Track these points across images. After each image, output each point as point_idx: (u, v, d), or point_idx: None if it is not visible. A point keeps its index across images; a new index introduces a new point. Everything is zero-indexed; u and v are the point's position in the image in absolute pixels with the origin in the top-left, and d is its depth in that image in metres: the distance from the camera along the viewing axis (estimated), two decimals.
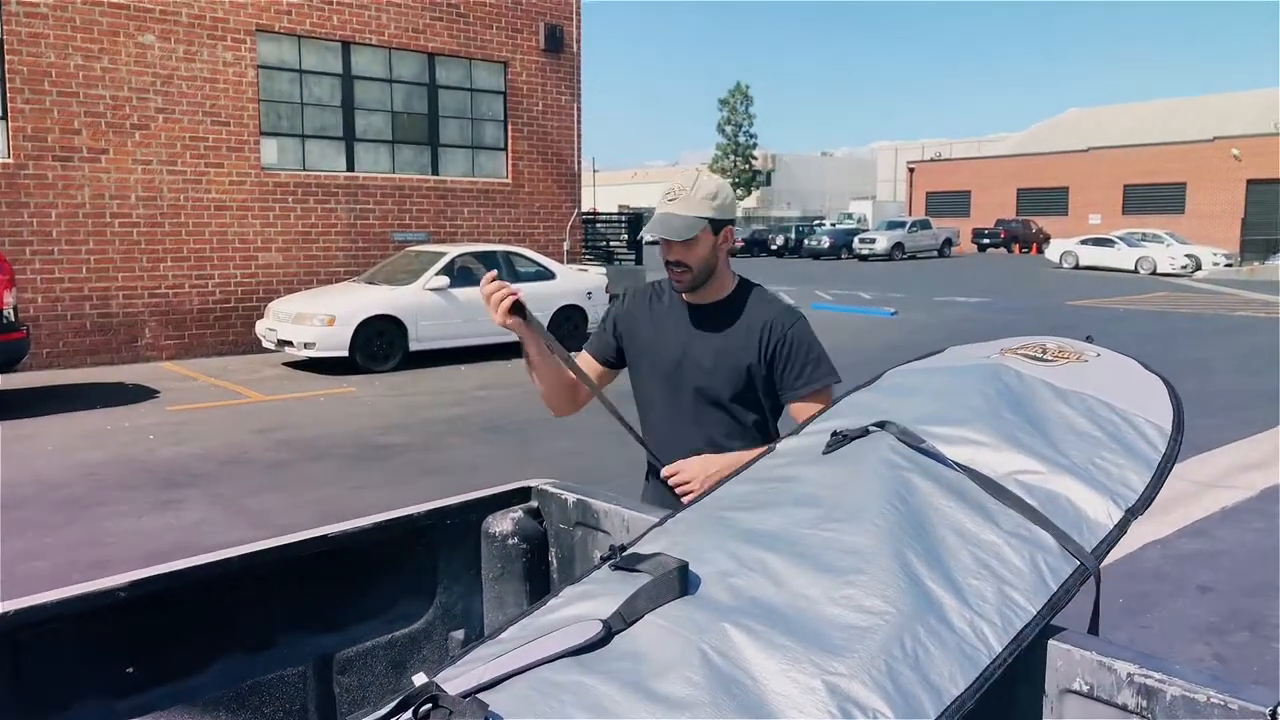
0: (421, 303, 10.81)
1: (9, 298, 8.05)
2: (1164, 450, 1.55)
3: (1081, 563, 1.33)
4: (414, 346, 10.72)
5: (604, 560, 1.52)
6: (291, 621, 1.73)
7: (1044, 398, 1.69)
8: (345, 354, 10.24)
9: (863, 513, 1.40)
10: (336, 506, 5.67)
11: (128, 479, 6.26)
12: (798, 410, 2.22)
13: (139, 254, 11.17)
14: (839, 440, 1.63)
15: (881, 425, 1.61)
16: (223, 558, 1.63)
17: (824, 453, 1.64)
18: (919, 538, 1.34)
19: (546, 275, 12.05)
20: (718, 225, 2.16)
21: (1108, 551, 1.38)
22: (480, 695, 1.16)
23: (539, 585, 2.00)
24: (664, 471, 2.17)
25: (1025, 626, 1.23)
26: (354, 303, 10.55)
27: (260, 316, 11.25)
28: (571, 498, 1.96)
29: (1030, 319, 15.26)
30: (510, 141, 14.45)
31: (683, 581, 1.32)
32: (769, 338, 2.22)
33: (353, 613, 1.80)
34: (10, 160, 10.36)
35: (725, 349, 2.22)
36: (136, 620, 1.54)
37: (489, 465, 6.59)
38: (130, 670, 1.55)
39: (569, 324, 12.01)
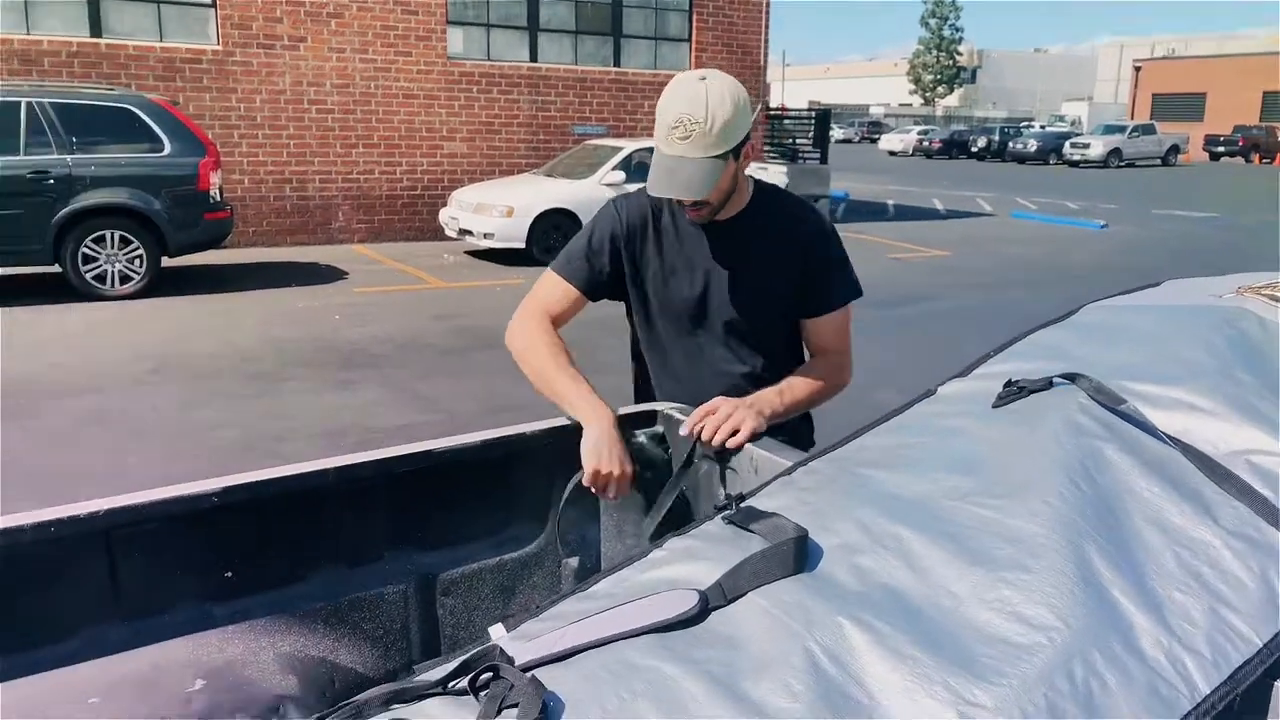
0: (597, 197, 10.69)
1: (215, 179, 8.52)
2: None
3: None
4: None
5: (718, 511, 1.32)
6: (394, 538, 1.64)
7: None
8: (522, 246, 10.35)
9: (1034, 488, 1.13)
10: (501, 397, 5.73)
11: (313, 357, 6.57)
12: (818, 331, 1.94)
13: (333, 140, 11.59)
14: (1014, 392, 1.35)
15: (1071, 378, 1.31)
16: (325, 467, 1.55)
17: (994, 405, 1.36)
18: (1106, 529, 1.06)
19: None
20: (739, 149, 1.78)
21: None
22: (549, 668, 1.01)
23: (671, 514, 1.84)
24: (686, 426, 1.72)
25: (1245, 664, 0.95)
26: (532, 195, 10.59)
27: (444, 205, 11.51)
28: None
29: (1267, 243, 13.56)
30: (694, 33, 13.92)
31: (799, 555, 1.10)
32: (804, 252, 1.89)
33: (459, 533, 1.70)
34: (219, 47, 10.88)
35: (755, 274, 1.89)
36: (234, 527, 1.49)
37: None
38: (229, 575, 1.50)
39: None
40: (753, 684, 0.93)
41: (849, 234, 14.60)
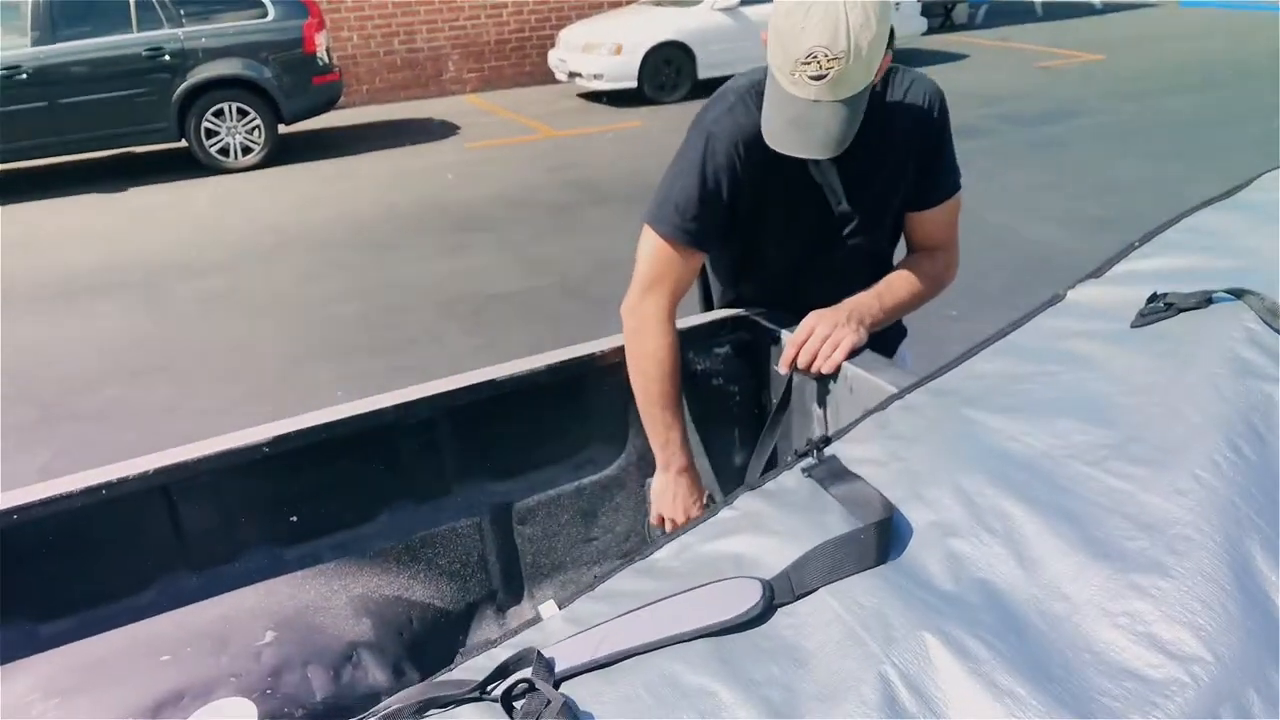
0: (709, 26, 10.08)
1: (321, 40, 8.40)
2: None
3: None
4: (703, 74, 10.14)
5: (799, 457, 1.15)
6: (463, 471, 1.56)
7: None
8: (634, 84, 9.91)
9: (1183, 454, 0.91)
10: (610, 255, 5.59)
11: (427, 221, 6.56)
12: (927, 225, 1.64)
13: None
14: (1161, 309, 1.09)
15: (1238, 294, 1.05)
16: (384, 405, 1.45)
17: (1134, 325, 1.11)
18: (1275, 516, 0.84)
19: None
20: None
21: None
22: (590, 680, 0.89)
23: (749, 431, 1.68)
24: (783, 363, 1.49)
25: None
26: (641, 29, 10.04)
27: (553, 46, 11.09)
28: (785, 338, 1.57)
29: None
30: None
31: (881, 544, 0.93)
32: (921, 142, 1.57)
33: (532, 460, 1.60)
34: None
35: (882, 181, 1.58)
36: (295, 472, 1.42)
37: None
38: (294, 520, 1.45)
39: None
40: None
41: (993, 41, 13.37)
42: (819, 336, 1.48)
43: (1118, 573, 0.83)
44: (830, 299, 1.58)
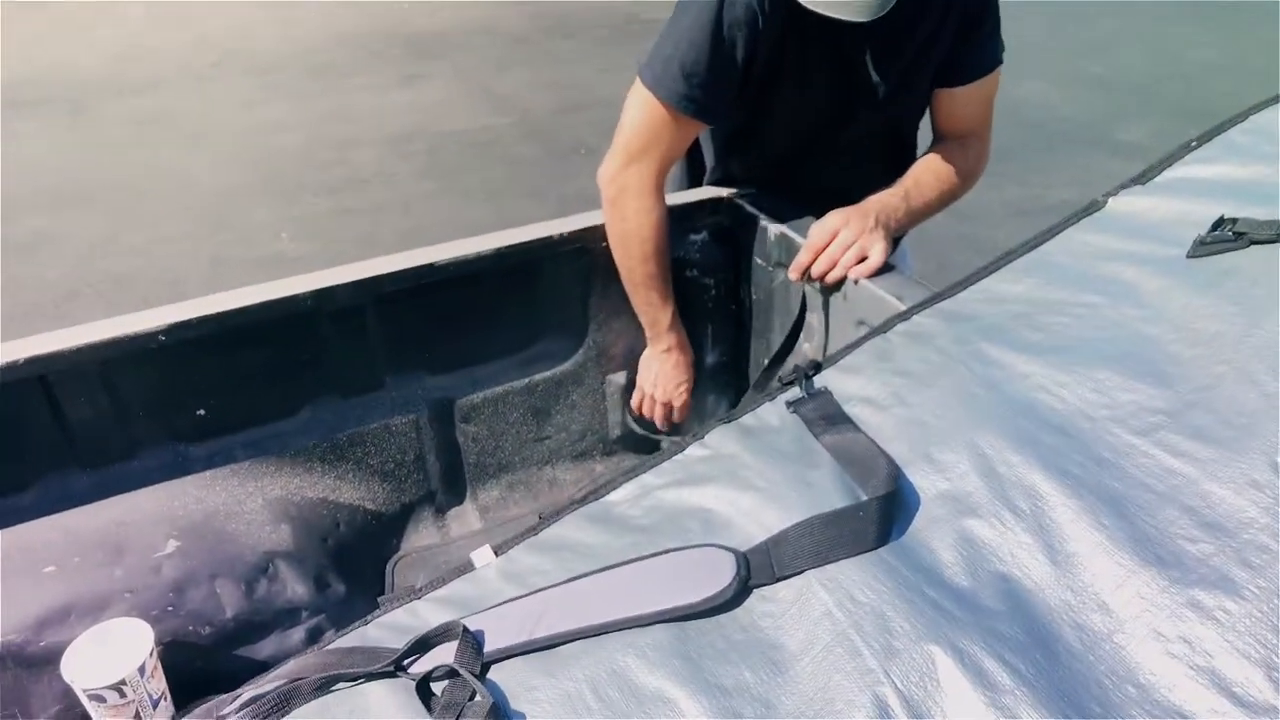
0: None
1: None
2: None
3: None
4: None
5: (782, 385, 0.98)
6: (399, 364, 1.37)
7: None
8: None
9: (1260, 433, 0.74)
10: (579, 92, 5.24)
11: (379, 48, 6.07)
12: (960, 105, 1.40)
13: None
14: (1227, 238, 0.91)
15: None
16: (302, 291, 1.24)
17: (1191, 255, 0.94)
18: None
19: None
20: None
21: None
22: (525, 669, 0.74)
23: (726, 329, 1.51)
24: (795, 269, 1.29)
25: None
26: None
27: None
28: (772, 230, 1.37)
29: None
30: None
31: (882, 523, 0.77)
32: (963, 4, 1.32)
33: (477, 353, 1.41)
34: None
35: (915, 47, 1.35)
36: (202, 360, 1.23)
37: None
38: (202, 414, 1.27)
39: None
40: None
41: None
42: (842, 243, 1.25)
43: (1174, 584, 0.68)
44: (838, 183, 1.36)
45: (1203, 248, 0.93)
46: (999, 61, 1.40)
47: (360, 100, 5.22)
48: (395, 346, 1.35)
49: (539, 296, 1.41)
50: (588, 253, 1.39)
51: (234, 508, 1.28)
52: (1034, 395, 0.85)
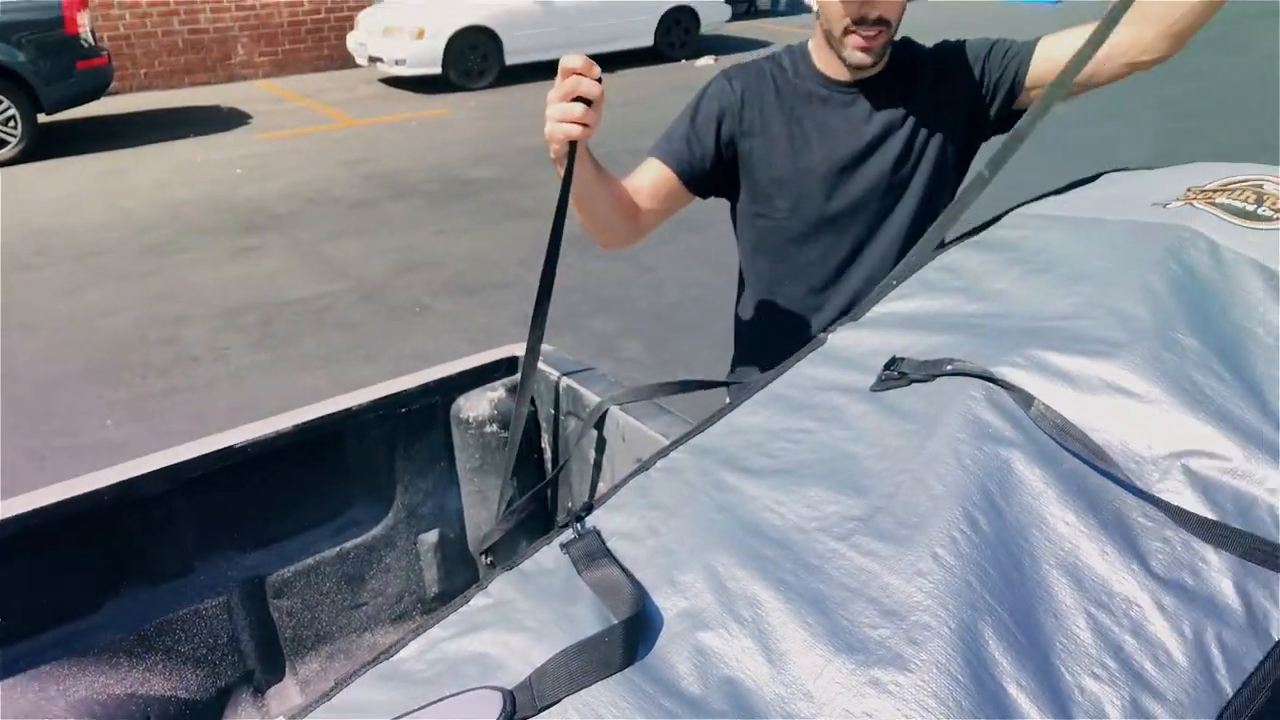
0: (516, 10, 9.88)
1: (84, 19, 7.64)
2: None
3: (1277, 643, 0.81)
4: (510, 60, 9.94)
5: (558, 529, 1.09)
6: (206, 545, 1.40)
7: (1253, 298, 1.07)
8: (438, 71, 9.59)
9: (924, 529, 0.89)
10: (416, 255, 5.40)
11: (212, 221, 6.09)
12: (1048, 50, 1.50)
13: None
14: (896, 378, 1.09)
15: (964, 372, 1.04)
16: (102, 485, 1.27)
17: (874, 388, 1.10)
18: (1008, 591, 0.83)
19: None
20: None
21: None
22: None
23: (529, 478, 1.60)
24: None
25: None
26: (444, 13, 9.72)
27: (352, 29, 10.59)
28: (562, 382, 1.50)
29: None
30: None
31: (628, 645, 0.87)
32: (965, 70, 1.53)
33: (286, 526, 1.46)
34: None
35: (920, 126, 1.53)
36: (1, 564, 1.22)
37: None
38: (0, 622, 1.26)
39: (679, 28, 10.89)
40: None
41: (795, 28, 13.79)
42: None
43: (859, 667, 0.80)
44: (866, 280, 1.55)
45: (881, 384, 1.10)
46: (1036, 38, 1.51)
47: (192, 276, 5.21)
48: (202, 529, 1.38)
49: (344, 466, 1.48)
50: (388, 419, 1.48)
51: (35, 713, 1.26)
52: (760, 515, 0.98)
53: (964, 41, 1.57)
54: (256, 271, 5.25)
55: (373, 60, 9.85)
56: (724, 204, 1.66)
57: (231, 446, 1.34)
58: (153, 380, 4.02)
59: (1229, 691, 0.78)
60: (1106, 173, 1.41)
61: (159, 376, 4.06)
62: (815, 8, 1.51)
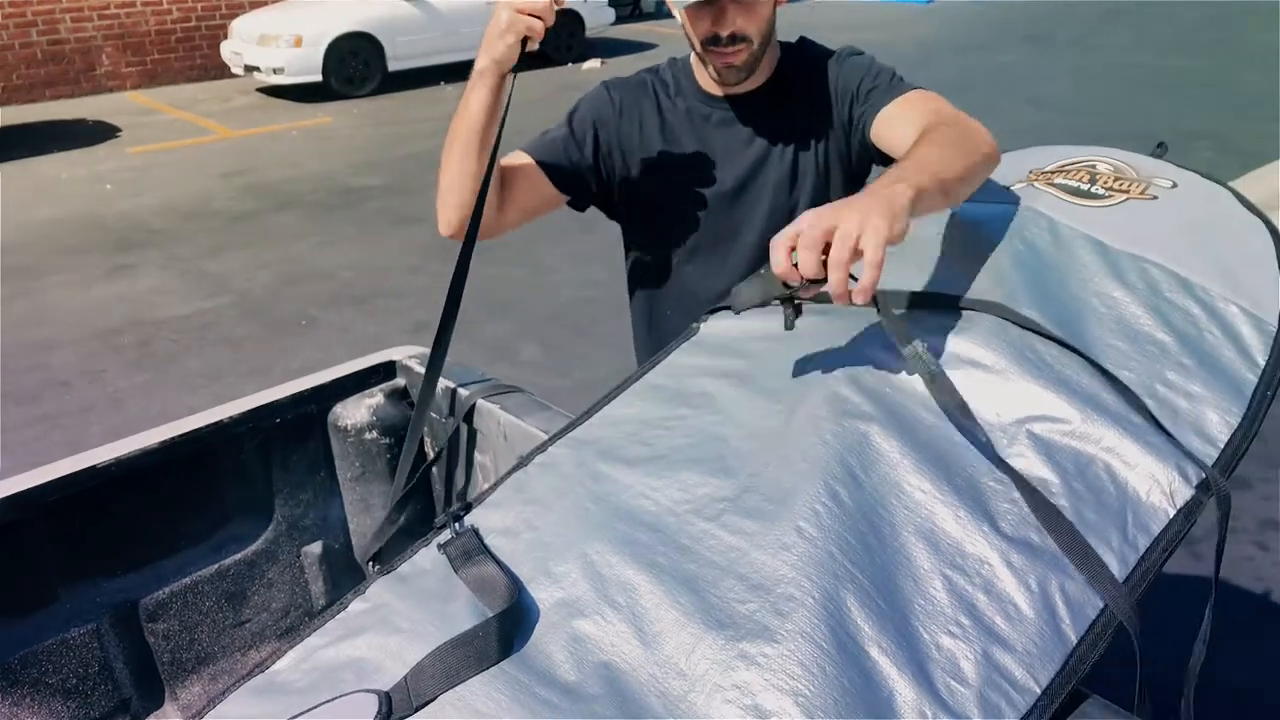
0: (397, 16, 9.72)
1: None
2: (1263, 365, 1.03)
3: (1105, 603, 0.85)
4: (393, 66, 9.76)
5: (439, 529, 1.08)
6: (72, 571, 1.34)
7: (1088, 270, 1.14)
8: (318, 78, 9.35)
9: (789, 504, 0.92)
10: (301, 267, 5.26)
11: (81, 240, 5.81)
12: (897, 121, 1.34)
13: None
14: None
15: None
16: None
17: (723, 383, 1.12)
18: (868, 559, 0.87)
19: None
20: None
21: (1166, 558, 0.90)
22: None
23: (417, 482, 1.58)
24: (777, 264, 0.94)
25: None
26: (322, 19, 9.49)
27: (225, 37, 10.24)
28: (440, 384, 1.48)
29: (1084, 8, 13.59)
30: None
31: (502, 639, 0.87)
32: (839, 91, 1.44)
33: (159, 547, 1.41)
34: None
35: (804, 145, 1.46)
36: None
37: None
38: None
39: (564, 32, 10.89)
40: None
41: (677, 30, 13.90)
42: (822, 230, 0.91)
43: (729, 642, 0.82)
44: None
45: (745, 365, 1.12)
46: (912, 87, 1.38)
47: (62, 299, 4.95)
48: (66, 555, 1.32)
49: (218, 481, 1.43)
50: (263, 430, 1.44)
51: None
52: (634, 502, 1.00)
53: (857, 57, 1.47)
54: (132, 290, 5.03)
55: (249, 69, 9.55)
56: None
57: (94, 467, 1.29)
58: (19, 408, 3.81)
59: (1073, 639, 0.83)
60: None
61: (26, 404, 3.85)
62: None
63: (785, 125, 1.47)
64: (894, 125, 1.33)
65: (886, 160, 1.35)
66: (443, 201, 1.39)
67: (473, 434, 1.46)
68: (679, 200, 1.50)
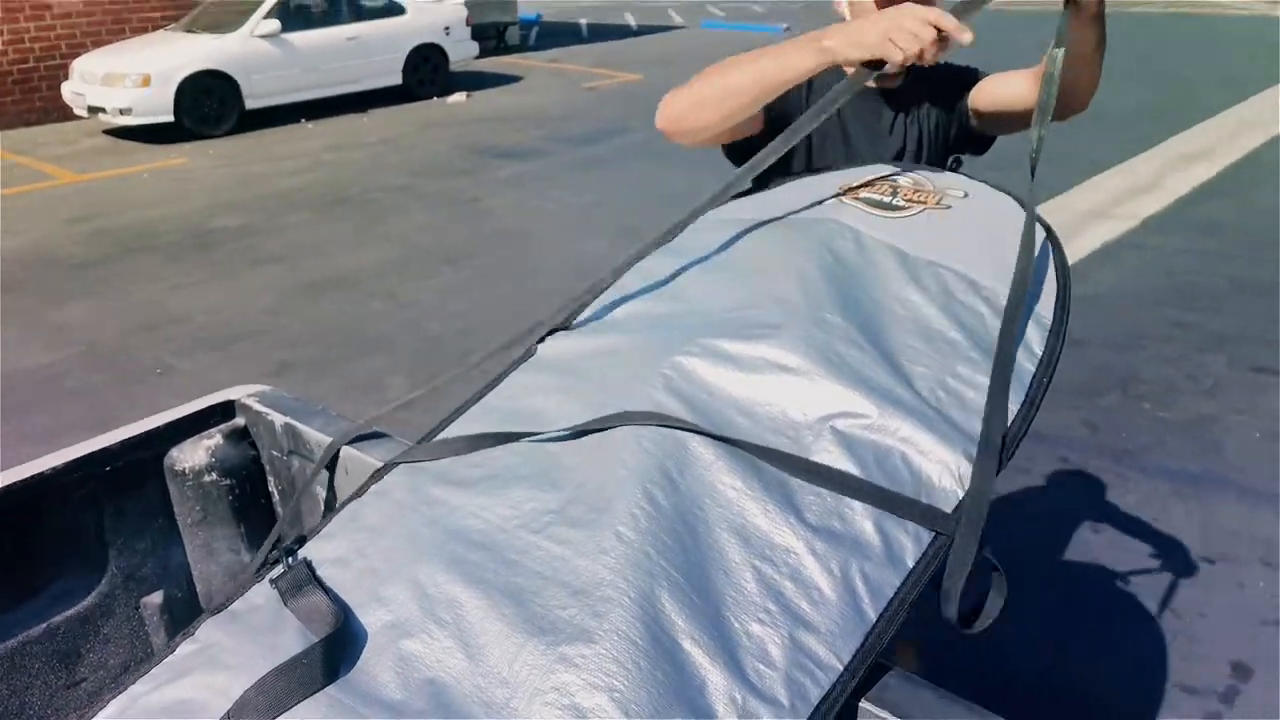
0: (252, 53, 9.49)
1: None
2: (1040, 356, 1.13)
3: (911, 570, 0.92)
4: (250, 104, 9.51)
5: (266, 565, 1.07)
6: None
7: (888, 277, 1.22)
8: (170, 118, 9.03)
9: (610, 510, 0.95)
10: (151, 313, 5.06)
11: None
12: (1000, 84, 1.58)
13: None
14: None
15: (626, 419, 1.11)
16: None
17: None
18: (683, 557, 0.91)
19: (396, 10, 10.68)
20: None
21: (955, 531, 0.97)
22: None
23: (259, 523, 1.56)
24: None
25: (825, 698, 0.83)
26: (171, 57, 9.18)
27: (66, 78, 9.78)
28: (279, 421, 1.47)
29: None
30: None
31: (328, 663, 0.87)
32: (942, 75, 1.67)
33: None
34: None
35: (929, 131, 1.68)
36: None
37: (331, 247, 5.91)
38: None
39: (427, 66, 10.84)
40: None
41: (545, 62, 14.04)
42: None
43: (550, 646, 0.84)
44: None
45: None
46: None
47: None
48: None
49: (44, 535, 1.37)
50: (92, 479, 1.39)
51: None
52: (464, 522, 1.01)
53: (968, 67, 1.69)
54: None
55: (93, 110, 9.14)
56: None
57: None
58: None
59: (873, 617, 0.89)
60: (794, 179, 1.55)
61: None
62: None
63: (916, 124, 1.66)
64: (998, 86, 1.57)
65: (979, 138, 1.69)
66: (695, 109, 1.43)
67: (322, 470, 1.45)
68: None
